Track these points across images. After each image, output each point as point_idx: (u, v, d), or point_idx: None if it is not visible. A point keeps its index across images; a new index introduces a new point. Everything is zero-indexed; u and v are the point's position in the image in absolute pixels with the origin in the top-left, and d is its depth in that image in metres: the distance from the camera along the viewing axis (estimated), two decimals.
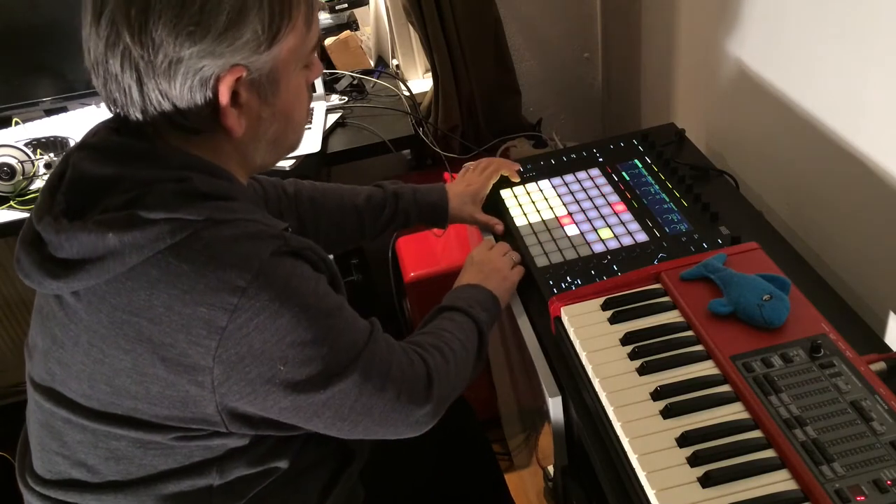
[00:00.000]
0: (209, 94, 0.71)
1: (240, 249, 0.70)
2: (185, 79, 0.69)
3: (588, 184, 1.27)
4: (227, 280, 0.68)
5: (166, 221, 0.69)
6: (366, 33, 1.98)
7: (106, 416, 0.73)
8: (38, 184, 1.57)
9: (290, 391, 0.73)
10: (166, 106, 0.71)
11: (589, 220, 1.18)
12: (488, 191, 1.26)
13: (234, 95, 0.73)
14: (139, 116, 0.72)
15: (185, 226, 0.69)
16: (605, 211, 1.19)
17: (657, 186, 1.23)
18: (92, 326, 0.71)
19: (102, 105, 1.78)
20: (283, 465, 0.83)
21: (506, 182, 1.30)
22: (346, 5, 1.92)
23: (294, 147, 0.85)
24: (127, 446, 0.75)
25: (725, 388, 0.82)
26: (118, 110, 0.73)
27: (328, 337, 0.74)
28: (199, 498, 0.78)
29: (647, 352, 0.88)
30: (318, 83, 1.79)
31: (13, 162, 1.53)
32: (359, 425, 0.80)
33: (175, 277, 0.68)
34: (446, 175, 1.79)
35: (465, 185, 1.25)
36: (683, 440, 0.77)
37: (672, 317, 0.92)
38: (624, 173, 1.28)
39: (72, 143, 1.65)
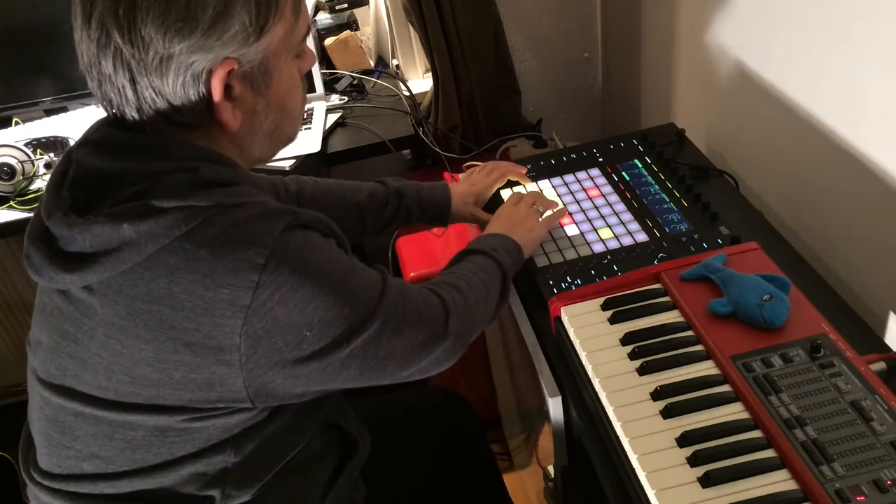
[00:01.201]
0: (202, 89, 0.72)
1: (253, 229, 0.71)
2: (177, 75, 0.70)
3: (588, 184, 1.27)
4: (246, 259, 0.69)
5: (180, 209, 0.70)
6: (366, 33, 1.98)
7: (124, 405, 0.74)
8: (38, 184, 1.57)
9: (317, 353, 0.74)
10: (161, 103, 0.72)
11: (589, 220, 1.18)
12: (492, 193, 1.26)
13: (228, 89, 0.73)
14: (135, 115, 0.73)
15: (197, 213, 0.70)
16: (605, 211, 1.19)
17: (657, 186, 1.23)
18: (108, 319, 0.71)
19: None
20: (294, 445, 0.85)
21: (506, 182, 1.30)
22: (346, 5, 1.92)
23: (291, 139, 0.86)
24: (145, 436, 0.75)
25: (725, 388, 0.82)
26: (115, 111, 0.74)
27: (348, 297, 0.75)
28: (215, 479, 0.79)
29: (647, 352, 0.88)
30: (318, 83, 1.79)
31: (13, 162, 1.53)
32: (385, 370, 0.81)
33: (194, 263, 0.69)
34: (446, 175, 1.79)
35: (469, 184, 1.25)
36: (683, 440, 0.77)
37: (672, 317, 0.92)
38: (624, 173, 1.28)
39: (72, 143, 1.65)
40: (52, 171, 0.78)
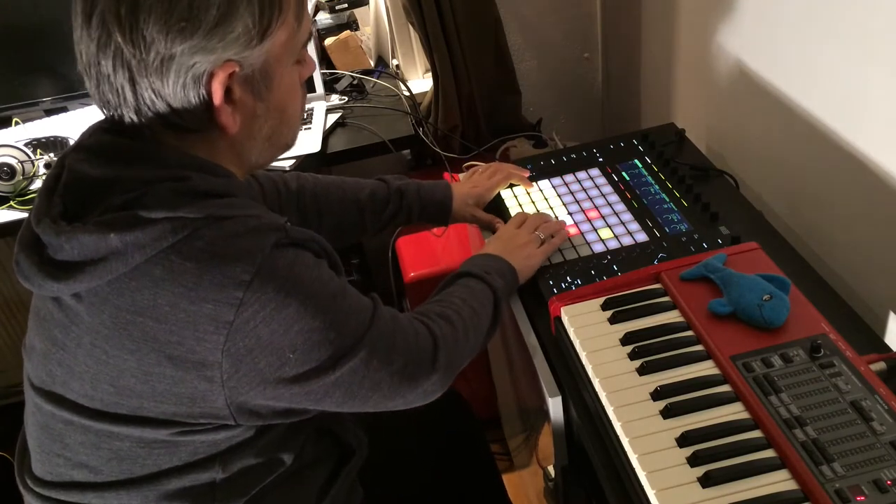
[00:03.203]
0: (202, 91, 0.71)
1: (242, 244, 0.70)
2: (177, 76, 0.69)
3: (588, 184, 1.27)
4: (232, 275, 0.68)
5: (168, 220, 0.69)
6: (366, 33, 1.98)
7: (109, 415, 0.73)
8: (39, 184, 1.57)
9: (300, 377, 0.73)
10: (160, 105, 0.71)
11: (589, 220, 1.18)
12: (493, 195, 1.26)
13: (228, 92, 0.73)
14: (133, 118, 0.72)
15: (186, 224, 0.69)
16: (605, 211, 1.19)
17: (657, 186, 1.23)
18: (94, 328, 0.71)
19: None
20: (285, 459, 0.84)
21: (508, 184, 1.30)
22: (346, 5, 1.92)
23: (290, 145, 0.85)
24: (131, 447, 0.75)
25: (725, 388, 0.82)
26: (112, 112, 0.73)
27: (335, 321, 0.74)
28: (203, 494, 0.78)
29: (647, 352, 0.88)
30: (318, 83, 1.79)
31: (13, 162, 1.53)
32: (369, 400, 0.80)
33: (179, 275, 0.68)
34: (446, 175, 1.79)
35: (470, 185, 1.25)
36: (683, 440, 0.77)
37: (672, 317, 0.92)
38: (624, 173, 1.28)
39: (72, 143, 1.65)
40: (45, 174, 0.77)
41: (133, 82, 0.69)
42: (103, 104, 0.73)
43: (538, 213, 1.18)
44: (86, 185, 0.73)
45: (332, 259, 0.81)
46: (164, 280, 0.68)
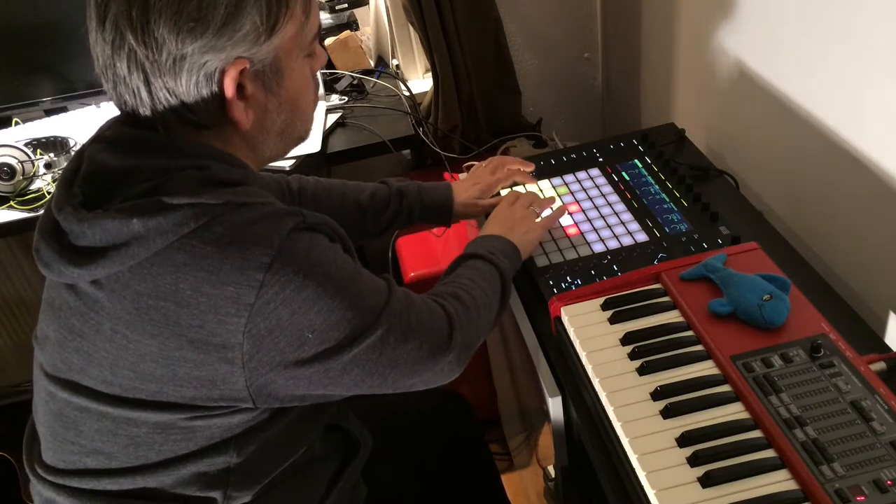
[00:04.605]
0: (215, 88, 0.73)
1: (260, 229, 0.72)
2: (190, 75, 0.71)
3: (588, 184, 1.27)
4: (252, 258, 0.70)
5: (189, 206, 0.70)
6: (366, 33, 1.98)
7: (129, 401, 0.74)
8: (38, 184, 1.57)
9: (319, 356, 0.75)
10: (175, 103, 0.73)
11: (589, 220, 1.18)
12: (495, 192, 1.26)
13: (240, 88, 0.75)
14: (150, 116, 0.74)
15: (206, 210, 0.71)
16: (605, 211, 1.19)
17: (657, 186, 1.23)
18: (115, 314, 0.72)
19: (103, 105, 1.78)
20: (297, 447, 0.85)
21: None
22: (346, 5, 1.92)
23: (304, 137, 0.87)
24: (147, 433, 0.76)
25: (725, 388, 0.82)
26: (129, 111, 0.75)
27: (353, 301, 0.76)
28: (218, 478, 0.79)
29: (647, 352, 0.88)
30: (319, 83, 1.79)
31: (13, 162, 1.53)
32: (387, 379, 0.81)
33: (201, 260, 0.70)
34: (446, 175, 1.79)
35: (472, 182, 1.25)
36: (683, 440, 0.77)
37: (672, 317, 0.92)
38: (624, 173, 1.28)
39: (72, 143, 1.65)
40: (63, 167, 0.79)
41: (148, 83, 0.72)
42: (121, 104, 0.75)
43: (529, 192, 1.20)
44: (106, 174, 0.74)
45: (346, 243, 0.82)
46: (186, 265, 0.70)
